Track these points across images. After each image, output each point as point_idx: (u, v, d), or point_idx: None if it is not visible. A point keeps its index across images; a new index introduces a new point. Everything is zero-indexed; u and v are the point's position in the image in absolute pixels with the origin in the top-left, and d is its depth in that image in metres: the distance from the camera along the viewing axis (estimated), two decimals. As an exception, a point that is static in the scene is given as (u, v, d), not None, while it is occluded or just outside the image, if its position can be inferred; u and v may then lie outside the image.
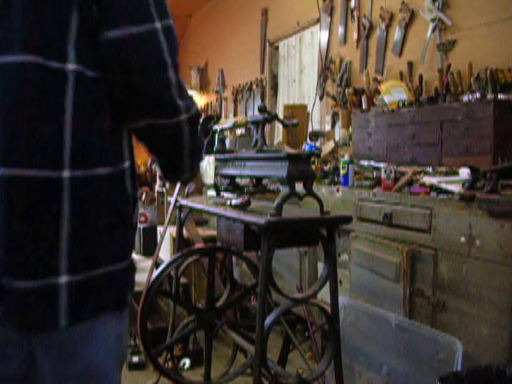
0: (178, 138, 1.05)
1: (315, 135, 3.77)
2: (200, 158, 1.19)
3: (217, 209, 2.06)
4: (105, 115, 0.96)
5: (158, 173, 5.15)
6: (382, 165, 2.72)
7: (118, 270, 1.00)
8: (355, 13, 3.90)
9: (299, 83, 4.98)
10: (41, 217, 0.91)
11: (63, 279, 0.91)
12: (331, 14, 4.25)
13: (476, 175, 2.02)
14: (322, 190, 2.76)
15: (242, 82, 5.95)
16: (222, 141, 2.37)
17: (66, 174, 0.91)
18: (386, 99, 3.13)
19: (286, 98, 5.20)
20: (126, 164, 1.02)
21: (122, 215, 1.01)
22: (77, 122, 0.91)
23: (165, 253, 3.64)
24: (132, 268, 1.05)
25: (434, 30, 3.11)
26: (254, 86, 5.65)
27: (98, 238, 0.96)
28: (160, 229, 3.74)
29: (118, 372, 1.07)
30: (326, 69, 4.26)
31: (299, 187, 1.80)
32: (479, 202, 1.85)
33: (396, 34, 3.48)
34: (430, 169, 2.50)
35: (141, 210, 4.51)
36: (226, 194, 2.50)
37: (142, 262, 3.81)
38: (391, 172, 2.41)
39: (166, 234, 3.15)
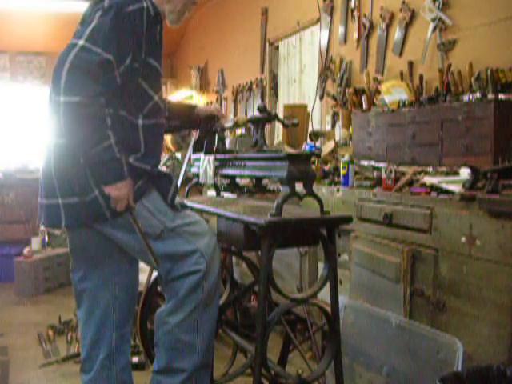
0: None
1: (315, 135, 3.77)
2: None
3: (217, 209, 2.06)
4: None
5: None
6: (382, 165, 2.72)
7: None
8: (355, 12, 3.90)
9: (299, 83, 4.98)
10: None
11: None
12: (331, 14, 4.24)
13: (476, 175, 2.01)
14: (322, 189, 2.76)
15: (242, 81, 5.95)
16: (222, 141, 2.36)
17: None
18: (387, 99, 3.13)
19: (286, 97, 5.20)
20: None
21: None
22: None
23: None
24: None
25: (434, 30, 3.11)
26: (254, 86, 5.65)
27: None
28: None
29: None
30: (326, 69, 4.25)
31: (299, 187, 1.80)
32: (480, 202, 1.84)
33: (396, 33, 3.48)
34: (430, 169, 2.50)
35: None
36: (226, 194, 2.50)
37: (141, 263, 3.81)
38: (391, 172, 2.41)
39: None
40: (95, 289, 1.95)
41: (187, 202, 2.35)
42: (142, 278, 2.50)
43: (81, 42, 1.65)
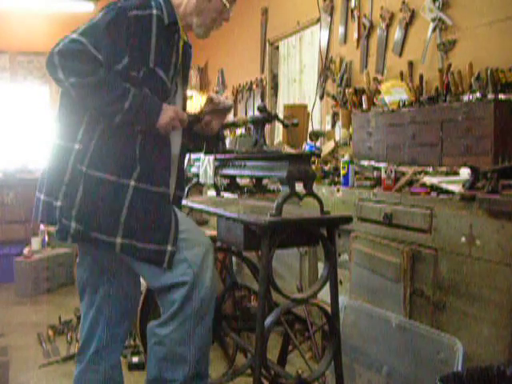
0: None
1: (315, 135, 3.77)
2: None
3: (217, 209, 2.06)
4: None
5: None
6: (382, 165, 2.72)
7: None
8: (355, 12, 3.90)
9: (299, 83, 4.98)
10: None
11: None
12: (331, 14, 4.24)
13: (476, 175, 2.01)
14: (322, 189, 2.76)
15: (242, 81, 5.95)
16: (222, 141, 2.36)
17: None
18: (387, 99, 3.13)
19: (286, 97, 5.20)
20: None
21: None
22: None
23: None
24: None
25: (434, 30, 3.11)
26: (254, 86, 5.65)
27: None
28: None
29: None
30: (326, 69, 4.25)
31: (299, 187, 1.80)
32: (480, 202, 1.84)
33: (396, 33, 3.48)
34: (430, 169, 2.50)
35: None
36: (226, 194, 2.50)
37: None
38: (391, 172, 2.41)
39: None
40: (94, 285, 1.96)
41: (187, 202, 2.35)
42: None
43: (73, 36, 1.68)
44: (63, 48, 1.66)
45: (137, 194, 1.74)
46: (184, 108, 1.99)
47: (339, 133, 3.75)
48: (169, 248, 1.76)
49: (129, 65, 1.72)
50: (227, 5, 1.89)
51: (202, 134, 2.05)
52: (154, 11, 1.75)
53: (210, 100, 2.02)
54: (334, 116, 4.08)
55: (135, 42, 1.72)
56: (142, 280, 2.11)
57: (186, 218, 1.93)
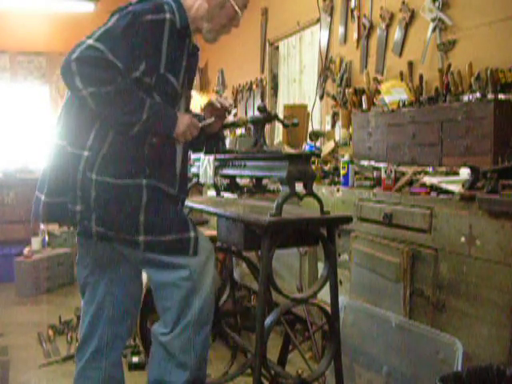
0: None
1: (315, 135, 3.77)
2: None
3: (217, 209, 2.06)
4: None
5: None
6: (382, 165, 2.72)
7: None
8: (355, 13, 3.90)
9: (299, 83, 4.98)
10: None
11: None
12: (331, 14, 4.24)
13: (476, 175, 2.01)
14: (322, 189, 2.76)
15: (242, 81, 5.95)
16: (222, 141, 2.36)
17: None
18: (387, 99, 3.13)
19: (286, 97, 5.20)
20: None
21: None
22: None
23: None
24: None
25: (434, 30, 3.11)
26: (254, 86, 5.65)
27: None
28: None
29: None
30: (326, 69, 4.26)
31: (299, 187, 1.80)
32: (479, 202, 1.84)
33: (396, 33, 3.48)
34: (430, 169, 2.50)
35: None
36: (226, 194, 2.50)
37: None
38: (391, 172, 2.41)
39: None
40: (95, 282, 1.97)
41: (187, 203, 2.35)
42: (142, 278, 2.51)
43: (89, 42, 1.64)
44: (81, 55, 1.62)
45: (151, 192, 1.76)
46: (188, 108, 1.99)
47: (339, 133, 3.75)
48: (192, 234, 1.79)
49: (145, 71, 1.72)
50: (239, 12, 1.89)
51: (203, 133, 2.06)
52: (168, 15, 1.73)
53: (210, 104, 2.03)
54: (334, 116, 4.08)
55: (149, 47, 1.71)
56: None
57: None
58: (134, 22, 1.67)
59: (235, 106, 6.16)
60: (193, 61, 1.90)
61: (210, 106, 2.03)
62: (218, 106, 2.01)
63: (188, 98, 1.98)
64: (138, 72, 1.71)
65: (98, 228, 1.76)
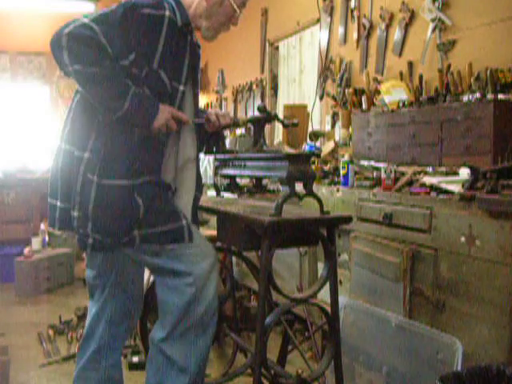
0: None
1: (315, 135, 3.77)
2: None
3: (217, 209, 2.06)
4: None
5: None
6: (382, 165, 2.72)
7: None
8: (355, 13, 3.90)
9: (299, 83, 4.98)
10: None
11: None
12: (331, 14, 4.25)
13: (476, 175, 2.02)
14: (322, 189, 2.76)
15: (242, 81, 5.95)
16: (222, 141, 2.37)
17: None
18: (386, 99, 3.13)
19: (286, 98, 5.20)
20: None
21: None
22: None
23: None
24: None
25: (434, 30, 3.11)
26: (254, 86, 5.66)
27: None
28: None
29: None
30: (326, 69, 4.26)
31: (299, 187, 1.80)
32: (479, 202, 1.85)
33: (396, 33, 3.48)
34: (430, 169, 2.50)
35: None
36: (226, 194, 2.50)
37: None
38: (391, 172, 2.41)
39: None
40: (102, 285, 1.98)
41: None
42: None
43: (85, 20, 1.64)
44: (74, 31, 1.61)
45: (147, 189, 1.75)
46: (196, 107, 1.97)
47: (339, 133, 3.75)
48: (183, 222, 1.80)
49: (134, 61, 1.71)
50: (237, 10, 1.89)
51: (203, 133, 2.06)
52: (167, 13, 1.73)
53: (207, 120, 2.03)
54: (334, 116, 4.08)
55: (143, 40, 1.71)
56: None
57: (195, 230, 1.90)
58: (132, 11, 1.68)
59: (235, 106, 6.17)
60: (196, 58, 1.90)
61: (206, 121, 2.04)
62: (216, 123, 2.03)
63: (196, 98, 1.97)
64: (127, 61, 1.70)
65: (95, 235, 1.74)
